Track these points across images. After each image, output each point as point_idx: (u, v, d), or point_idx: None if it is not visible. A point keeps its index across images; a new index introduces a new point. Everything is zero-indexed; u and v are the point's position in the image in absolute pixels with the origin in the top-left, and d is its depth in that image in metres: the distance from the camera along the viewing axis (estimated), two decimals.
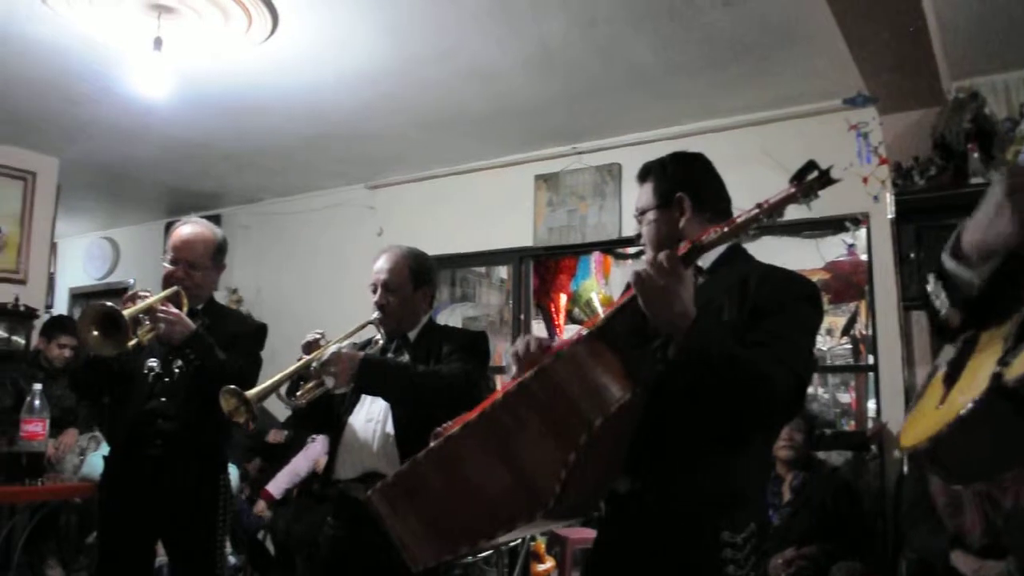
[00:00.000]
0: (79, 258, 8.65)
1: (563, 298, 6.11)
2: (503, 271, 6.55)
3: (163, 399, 2.69)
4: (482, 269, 6.69)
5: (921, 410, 1.41)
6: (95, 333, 2.48)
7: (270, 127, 5.14)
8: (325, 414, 2.66)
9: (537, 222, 5.42)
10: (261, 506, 4.92)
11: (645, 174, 1.92)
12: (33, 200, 5.88)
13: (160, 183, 6.64)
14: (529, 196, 5.46)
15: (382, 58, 4.11)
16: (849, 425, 5.39)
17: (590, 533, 5.13)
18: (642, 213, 1.89)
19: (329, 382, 2.41)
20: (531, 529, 2.15)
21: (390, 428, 2.48)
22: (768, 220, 1.43)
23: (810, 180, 1.41)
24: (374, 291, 2.66)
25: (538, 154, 5.43)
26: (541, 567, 5.17)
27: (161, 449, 2.66)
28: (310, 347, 2.49)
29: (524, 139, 5.26)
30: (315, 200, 6.62)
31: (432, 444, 1.58)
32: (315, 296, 6.23)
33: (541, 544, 5.20)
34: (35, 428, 3.52)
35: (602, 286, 6.20)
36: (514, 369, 1.73)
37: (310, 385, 2.50)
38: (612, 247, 5.27)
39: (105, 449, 3.03)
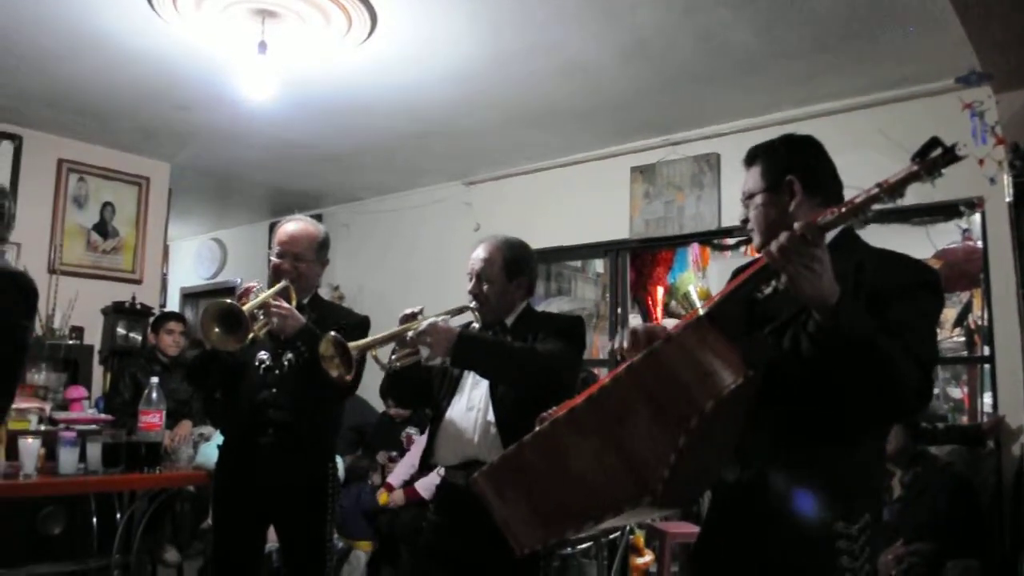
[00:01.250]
0: (189, 259, 9.03)
1: (660, 291, 6.04)
2: (599, 264, 6.52)
3: (274, 390, 2.78)
4: (577, 263, 6.67)
5: None
6: (217, 330, 2.58)
7: (370, 126, 5.24)
8: (419, 389, 2.71)
9: (633, 214, 5.37)
10: (381, 493, 5.05)
11: (753, 157, 1.87)
12: (147, 203, 6.18)
13: (264, 184, 6.86)
14: (625, 188, 5.41)
15: (477, 55, 4.14)
16: (960, 421, 5.17)
17: (689, 527, 5.08)
18: (749, 197, 1.84)
19: (424, 351, 2.45)
20: (638, 515, 2.13)
21: (491, 416, 2.49)
22: (888, 200, 1.37)
23: (934, 157, 1.34)
24: (470, 280, 2.68)
25: (634, 145, 5.38)
26: (640, 560, 5.12)
27: (273, 438, 2.75)
28: (408, 319, 2.53)
29: (620, 131, 5.22)
30: (413, 197, 6.73)
31: (538, 428, 1.58)
32: (415, 292, 6.25)
33: (640, 537, 5.15)
34: (152, 419, 3.68)
35: (700, 279, 6.10)
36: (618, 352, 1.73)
37: (405, 352, 2.53)
38: (710, 238, 5.17)
39: (218, 439, 3.14)
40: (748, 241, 4.84)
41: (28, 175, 5.51)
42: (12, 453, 3.46)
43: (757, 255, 1.68)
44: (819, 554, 1.61)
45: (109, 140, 5.79)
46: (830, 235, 1.66)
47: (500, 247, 2.68)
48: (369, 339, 2.52)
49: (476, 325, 2.70)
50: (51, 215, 5.67)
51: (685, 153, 5.16)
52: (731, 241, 5.05)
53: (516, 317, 2.68)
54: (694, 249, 6.02)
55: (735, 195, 4.95)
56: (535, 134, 5.31)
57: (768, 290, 1.67)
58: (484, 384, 2.54)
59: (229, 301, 2.60)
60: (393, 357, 2.57)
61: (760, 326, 1.69)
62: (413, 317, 2.53)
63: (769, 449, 1.66)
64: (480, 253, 2.68)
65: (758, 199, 1.82)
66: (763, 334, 1.67)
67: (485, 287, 2.63)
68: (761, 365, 1.54)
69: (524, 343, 2.50)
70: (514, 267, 2.66)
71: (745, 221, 1.87)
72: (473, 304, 2.66)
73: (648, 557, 5.14)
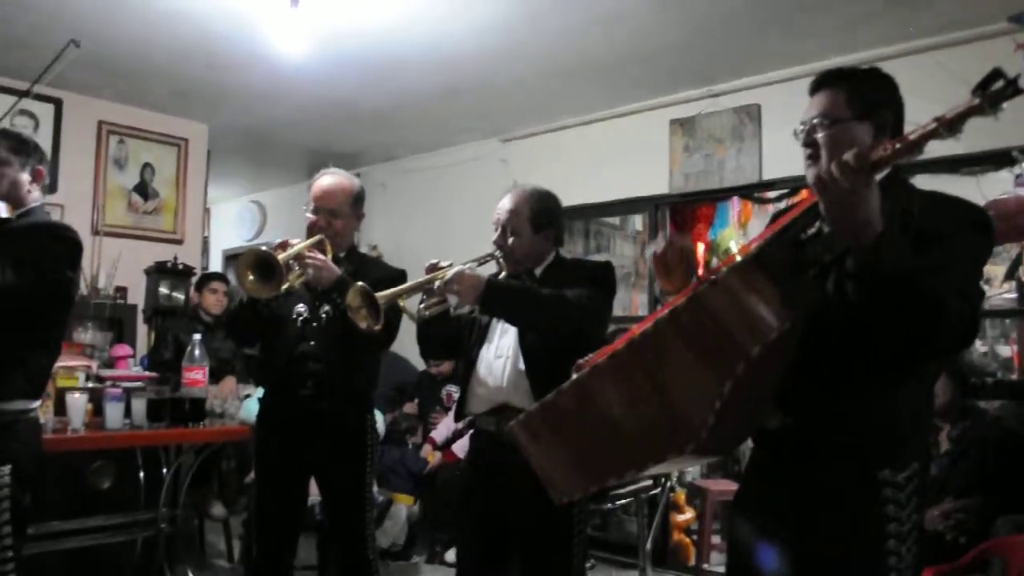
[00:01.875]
0: (230, 221, 9.14)
1: (701, 248, 5.97)
2: (638, 222, 6.45)
3: (312, 343, 2.78)
4: (616, 220, 6.61)
5: None
6: (251, 277, 2.57)
7: (405, 83, 5.19)
8: (450, 340, 2.71)
9: (673, 168, 5.28)
10: (428, 450, 5.09)
11: (835, 80, 1.72)
12: (187, 164, 6.25)
13: (301, 145, 6.85)
14: (664, 142, 5.32)
15: (513, 6, 4.06)
16: (1010, 379, 5.06)
17: (731, 485, 5.05)
18: (831, 123, 1.67)
19: (452, 300, 2.44)
20: (680, 463, 2.11)
21: (521, 364, 2.47)
22: (946, 134, 1.29)
23: (996, 89, 1.27)
24: (495, 230, 2.62)
25: (673, 98, 5.27)
26: (681, 517, 5.13)
27: (312, 390, 2.76)
28: (433, 269, 2.50)
29: (658, 83, 5.11)
30: (450, 155, 6.69)
31: (576, 375, 1.56)
32: (452, 250, 6.14)
33: (681, 495, 5.15)
34: (196, 376, 3.74)
35: (741, 236, 6.03)
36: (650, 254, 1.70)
37: (433, 300, 2.51)
38: (752, 191, 5.08)
39: (259, 394, 3.16)
40: (790, 193, 4.78)
41: (69, 138, 5.58)
42: (60, 409, 3.54)
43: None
44: (864, 503, 1.58)
45: (147, 102, 5.84)
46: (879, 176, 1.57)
47: (527, 198, 2.61)
48: (397, 288, 2.50)
49: (504, 274, 2.66)
50: (92, 177, 5.75)
51: (725, 105, 5.05)
52: (772, 194, 4.96)
53: (545, 266, 2.64)
54: (735, 205, 5.94)
55: (776, 147, 4.85)
56: (572, 88, 5.23)
57: (812, 231, 1.61)
58: (513, 331, 2.52)
59: (264, 248, 2.59)
60: (421, 307, 2.55)
61: (804, 269, 1.64)
62: (439, 267, 2.50)
63: (813, 395, 1.62)
64: (506, 204, 2.61)
65: (840, 126, 1.66)
66: (808, 277, 1.62)
67: (511, 239, 2.58)
68: (807, 308, 1.50)
69: (553, 290, 2.45)
70: (541, 219, 2.59)
71: (810, 145, 1.70)
72: (498, 253, 2.62)
73: (689, 514, 5.14)
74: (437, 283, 2.41)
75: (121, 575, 4.15)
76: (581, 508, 2.47)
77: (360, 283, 2.47)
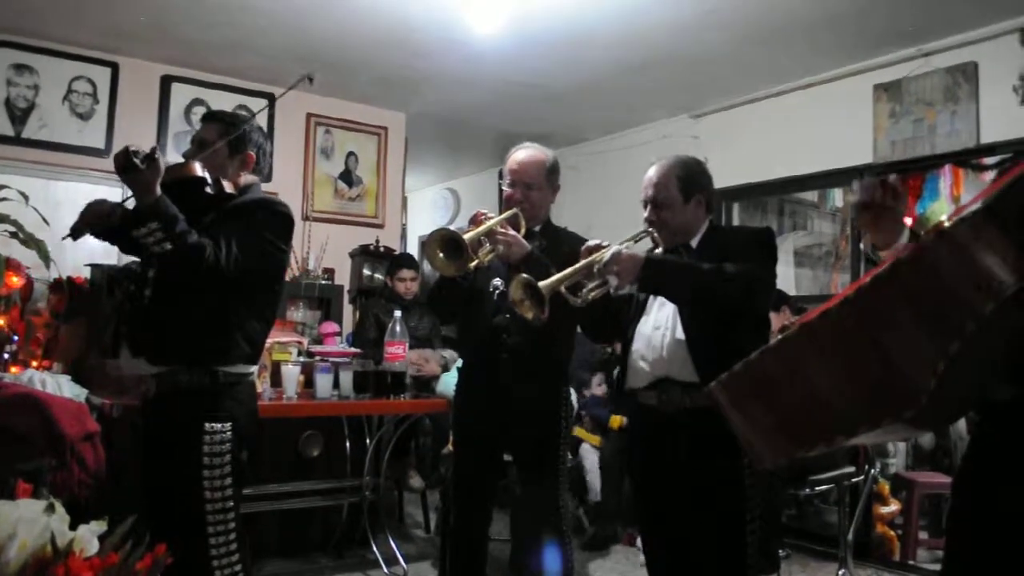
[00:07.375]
0: (426, 209, 9.53)
1: (908, 222, 5.57)
2: (838, 198, 6.12)
3: (507, 315, 2.83)
4: (813, 196, 6.29)
5: None
6: (440, 255, 2.67)
7: (594, 60, 5.17)
8: (612, 322, 2.68)
9: (877, 136, 4.94)
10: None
11: None
12: (386, 152, 6.55)
13: (492, 129, 6.95)
14: (867, 109, 4.99)
15: None
16: None
17: (940, 477, 4.73)
18: None
19: (612, 281, 2.40)
20: (893, 433, 1.97)
21: (680, 333, 2.42)
22: None
23: None
24: (644, 207, 2.59)
25: (875, 61, 4.94)
26: (885, 509, 4.85)
27: (508, 361, 2.81)
28: (591, 252, 2.48)
29: (859, 45, 4.79)
30: (639, 135, 6.61)
31: (782, 335, 1.49)
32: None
33: (885, 486, 4.88)
34: (397, 351, 3.91)
35: (952, 210, 5.58)
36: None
37: (593, 284, 2.48)
38: (968, 157, 4.67)
39: (458, 365, 3.25)
40: (1013, 159, 4.34)
41: (281, 130, 5.94)
42: (276, 380, 3.80)
43: None
44: None
45: (349, 93, 6.15)
46: None
47: (672, 167, 2.58)
48: (558, 276, 2.48)
49: (659, 250, 2.62)
50: (303, 166, 6.15)
51: (936, 65, 4.67)
52: (991, 160, 4.54)
53: (701, 237, 2.58)
54: (946, 176, 5.51)
55: (996, 108, 4.46)
56: (767, 55, 5.01)
57: None
58: (671, 304, 2.48)
59: (450, 228, 2.69)
60: (582, 292, 2.52)
61: None
62: (597, 248, 2.47)
63: None
64: (651, 177, 2.58)
65: None
66: None
67: (661, 213, 2.55)
68: None
69: (712, 263, 2.39)
70: (689, 186, 2.55)
71: None
72: (651, 229, 2.58)
73: (894, 507, 4.86)
74: (596, 266, 2.40)
75: (329, 538, 4.44)
76: (753, 484, 2.39)
77: (524, 275, 2.47)
